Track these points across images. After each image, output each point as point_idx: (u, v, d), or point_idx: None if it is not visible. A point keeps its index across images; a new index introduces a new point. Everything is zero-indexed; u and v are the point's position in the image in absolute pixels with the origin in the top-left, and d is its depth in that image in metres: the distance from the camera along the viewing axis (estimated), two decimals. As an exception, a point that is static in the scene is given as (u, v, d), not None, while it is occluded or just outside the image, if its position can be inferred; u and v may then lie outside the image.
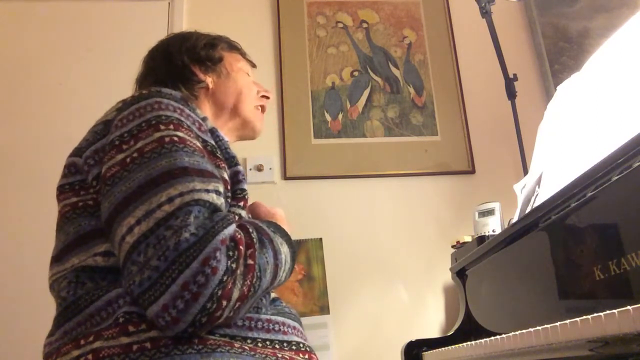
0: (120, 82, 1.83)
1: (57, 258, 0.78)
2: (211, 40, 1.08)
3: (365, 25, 2.14)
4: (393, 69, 2.08)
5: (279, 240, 0.78)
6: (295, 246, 0.85)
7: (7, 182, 1.77)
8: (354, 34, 2.12)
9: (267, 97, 1.15)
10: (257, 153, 1.84)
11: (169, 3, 2.06)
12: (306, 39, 2.07)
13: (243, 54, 1.14)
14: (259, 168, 1.86)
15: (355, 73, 2.06)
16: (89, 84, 1.91)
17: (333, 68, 2.05)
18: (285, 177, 1.88)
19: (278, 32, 2.06)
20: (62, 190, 0.81)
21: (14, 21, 1.98)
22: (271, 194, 1.83)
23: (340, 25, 2.12)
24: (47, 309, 0.85)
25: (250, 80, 1.11)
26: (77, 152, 0.82)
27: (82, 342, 0.66)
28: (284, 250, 0.78)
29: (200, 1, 2.09)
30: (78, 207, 0.78)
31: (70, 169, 0.82)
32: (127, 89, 1.07)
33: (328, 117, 1.97)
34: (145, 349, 0.64)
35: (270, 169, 1.87)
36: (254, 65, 1.16)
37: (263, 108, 1.14)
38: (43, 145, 1.81)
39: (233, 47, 1.12)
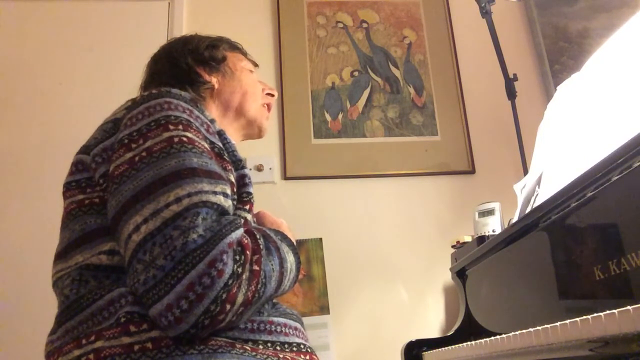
0: (120, 81, 1.86)
1: (61, 255, 0.78)
2: (213, 42, 1.08)
3: (365, 25, 2.13)
4: (393, 69, 2.08)
5: (285, 249, 0.78)
6: (299, 254, 0.85)
7: (7, 182, 1.77)
8: (354, 34, 2.12)
9: (273, 95, 1.16)
10: (257, 153, 1.84)
11: (169, 3, 2.06)
12: (306, 39, 2.07)
13: (245, 54, 1.14)
14: (259, 168, 1.86)
15: (355, 73, 2.06)
16: (89, 83, 1.91)
17: (333, 68, 2.05)
18: (285, 177, 1.88)
19: (278, 32, 2.06)
20: (69, 188, 0.81)
21: (14, 21, 1.98)
22: (271, 194, 1.83)
23: (340, 25, 2.12)
24: (49, 306, 0.85)
25: (255, 79, 1.12)
26: (85, 149, 0.82)
27: (84, 341, 0.66)
28: (290, 259, 0.78)
29: (201, 1, 2.09)
30: (84, 204, 0.78)
31: (77, 166, 0.81)
32: (127, 89, 1.08)
33: (328, 117, 1.97)
34: (147, 349, 0.63)
35: (270, 169, 1.87)
36: (256, 65, 1.17)
37: (269, 106, 1.15)
38: (43, 145, 1.82)
39: (234, 47, 1.13)
